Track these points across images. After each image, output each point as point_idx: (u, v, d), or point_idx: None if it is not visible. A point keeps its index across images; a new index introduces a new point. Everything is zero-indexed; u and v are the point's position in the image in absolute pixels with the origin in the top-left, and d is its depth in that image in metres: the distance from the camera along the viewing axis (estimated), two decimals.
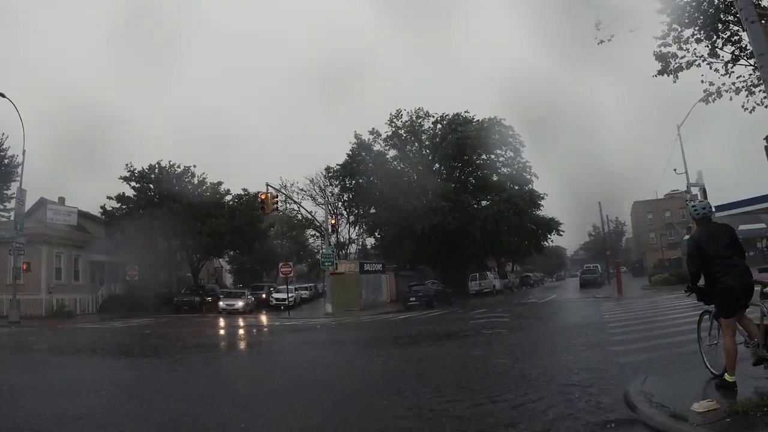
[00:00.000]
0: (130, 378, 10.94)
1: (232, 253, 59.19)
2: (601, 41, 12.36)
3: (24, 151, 31.61)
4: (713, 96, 12.88)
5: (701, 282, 6.88)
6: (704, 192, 30.47)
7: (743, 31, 9.25)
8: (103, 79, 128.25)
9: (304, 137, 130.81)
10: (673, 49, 12.37)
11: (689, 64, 12.48)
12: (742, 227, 43.63)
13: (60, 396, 8.80)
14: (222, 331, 24.46)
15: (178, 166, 45.40)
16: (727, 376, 6.48)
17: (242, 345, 19.29)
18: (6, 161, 49.56)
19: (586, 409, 6.59)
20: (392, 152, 53.27)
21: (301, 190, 56.24)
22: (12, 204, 41.75)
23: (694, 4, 11.67)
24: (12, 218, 33.21)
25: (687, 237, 44.59)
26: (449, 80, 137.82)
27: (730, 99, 12.61)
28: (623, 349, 11.04)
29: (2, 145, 49.49)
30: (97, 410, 7.60)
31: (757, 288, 6.84)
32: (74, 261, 38.64)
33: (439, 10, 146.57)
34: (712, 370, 7.22)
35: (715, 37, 12.00)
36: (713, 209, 7.13)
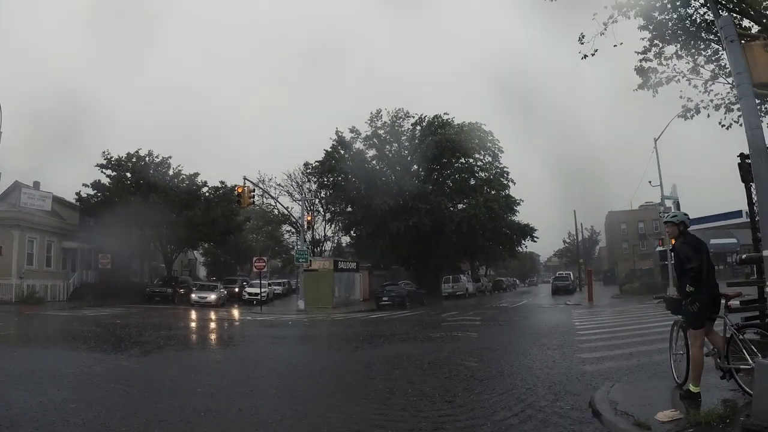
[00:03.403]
0: (92, 369, 10.74)
1: (206, 245, 58.69)
2: (585, 56, 12.48)
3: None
4: (692, 112, 13.12)
5: (674, 293, 7.00)
6: (678, 205, 30.92)
7: (723, 50, 9.43)
8: (81, 62, 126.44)
9: (287, 133, 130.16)
10: (654, 64, 12.54)
11: (669, 80, 12.64)
12: (713, 241, 44.48)
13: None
14: (192, 324, 24.20)
15: (156, 156, 44.78)
16: (692, 387, 6.60)
17: (212, 339, 19.08)
18: None
19: (551, 415, 6.68)
20: (371, 152, 53.28)
21: (279, 185, 55.87)
22: None
23: (676, 20, 11.83)
24: None
25: (660, 248, 45.20)
26: (433, 73, 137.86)
27: (708, 116, 12.84)
28: (591, 357, 11.19)
29: None
30: (52, 405, 7.38)
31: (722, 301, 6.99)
32: (47, 247, 38.10)
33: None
34: (678, 380, 7.36)
35: (696, 54, 12.18)
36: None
